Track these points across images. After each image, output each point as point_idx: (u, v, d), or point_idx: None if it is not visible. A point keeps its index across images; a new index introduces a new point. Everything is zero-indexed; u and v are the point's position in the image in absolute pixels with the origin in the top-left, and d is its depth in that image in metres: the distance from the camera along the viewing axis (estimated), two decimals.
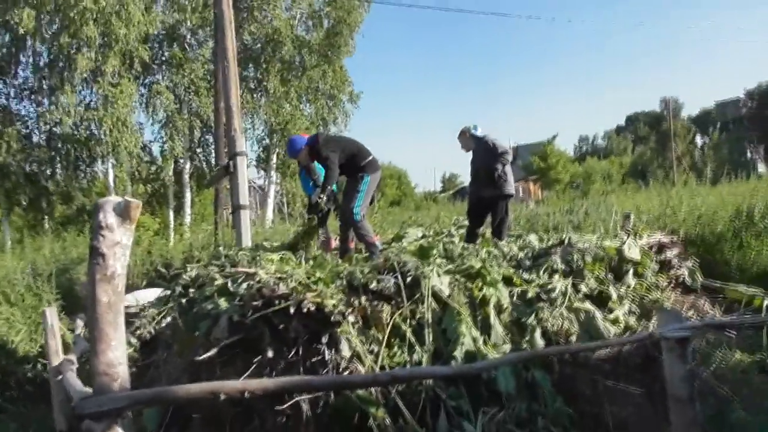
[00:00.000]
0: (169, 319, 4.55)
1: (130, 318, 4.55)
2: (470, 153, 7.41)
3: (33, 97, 21.39)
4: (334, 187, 6.54)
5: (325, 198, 6.24)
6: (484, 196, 7.11)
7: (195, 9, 22.66)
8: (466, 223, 7.70)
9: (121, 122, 19.97)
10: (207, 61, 22.87)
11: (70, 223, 21.34)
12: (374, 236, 6.17)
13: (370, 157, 6.27)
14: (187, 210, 23.31)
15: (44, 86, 21.01)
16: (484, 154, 7.02)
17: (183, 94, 22.70)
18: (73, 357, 4.39)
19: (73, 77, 20.04)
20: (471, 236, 7.07)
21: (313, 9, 24.50)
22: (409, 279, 4.01)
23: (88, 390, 2.72)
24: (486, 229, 7.42)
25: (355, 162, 6.17)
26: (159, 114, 22.12)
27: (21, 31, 19.12)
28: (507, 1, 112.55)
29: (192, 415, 3.67)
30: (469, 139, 7.26)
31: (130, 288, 6.05)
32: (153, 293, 5.99)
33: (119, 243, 2.55)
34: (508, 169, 6.99)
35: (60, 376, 4.30)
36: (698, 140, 61.47)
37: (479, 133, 7.24)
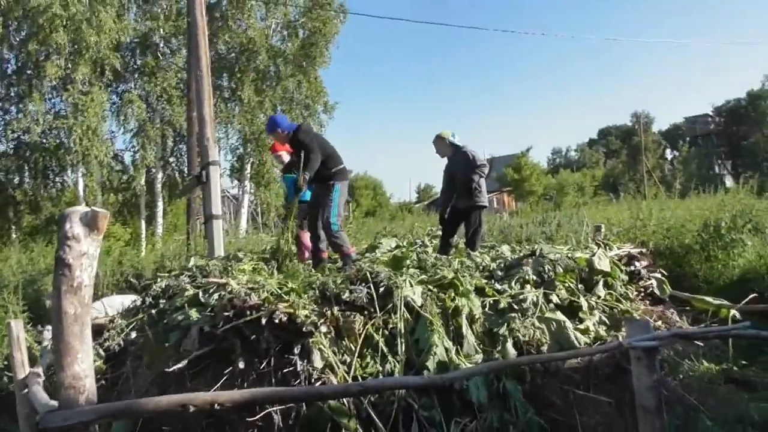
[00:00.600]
0: (138, 330, 4.48)
1: (99, 329, 4.46)
2: (444, 159, 7.39)
3: (0, 105, 20.94)
4: (307, 194, 6.50)
5: (307, 177, 5.97)
6: (458, 207, 7.13)
7: (168, 17, 22.47)
8: (440, 233, 7.70)
9: (91, 131, 19.62)
10: (180, 70, 22.66)
11: (38, 233, 20.87)
12: (350, 247, 6.14)
13: (341, 165, 6.21)
14: (159, 220, 22.99)
15: (12, 94, 20.60)
16: (462, 165, 7.01)
17: (155, 102, 22.44)
18: (39, 370, 4.28)
19: (42, 85, 19.68)
20: (444, 246, 7.08)
21: (289, 19, 24.42)
22: (381, 289, 4.02)
23: (54, 403, 2.66)
24: (459, 240, 7.44)
25: (326, 165, 6.08)
26: (131, 123, 21.78)
27: None
28: (483, 15, 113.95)
29: (162, 427, 3.61)
30: (447, 146, 7.22)
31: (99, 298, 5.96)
32: (122, 300, 5.90)
33: (86, 254, 2.52)
34: (483, 181, 7.02)
35: (25, 390, 4.19)
36: (668, 154, 62.80)
37: (458, 141, 7.23)
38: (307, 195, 6.69)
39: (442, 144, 7.25)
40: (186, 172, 21.77)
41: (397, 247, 7.25)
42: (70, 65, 19.64)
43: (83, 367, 2.50)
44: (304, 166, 5.84)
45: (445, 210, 7.34)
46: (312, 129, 6.53)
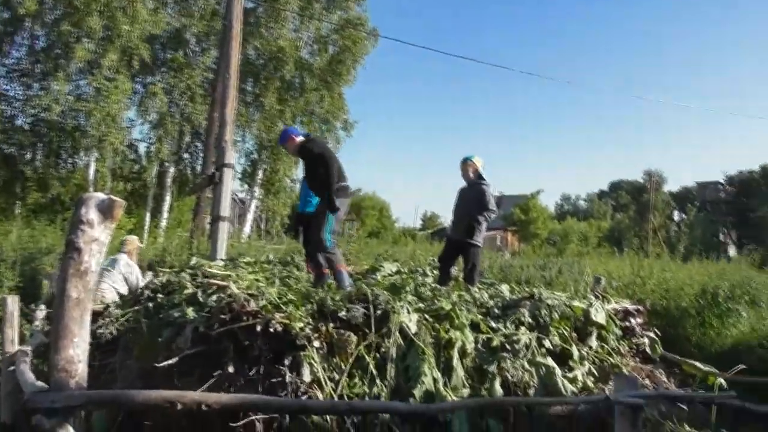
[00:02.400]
0: (132, 322, 4.50)
1: (92, 317, 4.48)
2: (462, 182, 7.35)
3: (23, 79, 21.12)
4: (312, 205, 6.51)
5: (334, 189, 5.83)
6: (452, 238, 7.16)
7: (203, 17, 22.77)
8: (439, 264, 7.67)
9: (110, 117, 19.81)
10: (207, 69, 22.91)
11: (43, 212, 20.99)
12: (343, 265, 6.10)
13: (345, 183, 6.13)
14: (165, 214, 23.08)
15: (37, 70, 20.80)
16: (474, 199, 6.99)
17: (178, 98, 22.65)
18: (27, 349, 4.31)
19: (68, 66, 19.89)
20: (444, 278, 7.07)
21: (320, 34, 24.74)
22: (379, 312, 4.04)
23: (41, 384, 2.69)
24: (459, 273, 7.45)
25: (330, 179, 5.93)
26: (151, 115, 22.00)
27: (21, 11, 18.98)
28: (509, 55, 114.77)
29: (143, 422, 3.62)
30: (473, 173, 7.15)
31: None
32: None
33: (97, 240, 2.57)
34: (485, 224, 6.98)
35: (12, 367, 4.21)
36: (676, 216, 62.75)
37: (484, 173, 7.22)
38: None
39: (471, 169, 7.17)
40: (199, 170, 21.87)
41: (398, 272, 7.27)
42: (99, 50, 19.88)
43: (78, 351, 2.53)
44: (328, 179, 5.78)
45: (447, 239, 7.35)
46: (323, 142, 6.50)
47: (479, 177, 7.14)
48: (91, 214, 2.53)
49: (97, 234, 2.54)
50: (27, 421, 2.59)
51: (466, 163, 7.21)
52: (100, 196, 2.59)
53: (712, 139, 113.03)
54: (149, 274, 7.28)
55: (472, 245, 6.90)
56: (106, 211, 2.56)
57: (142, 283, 7.18)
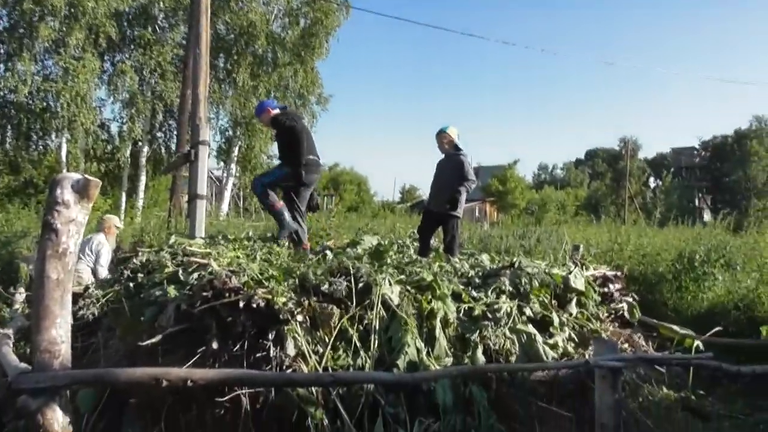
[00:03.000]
0: (113, 302, 4.47)
1: (72, 298, 4.45)
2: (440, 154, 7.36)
3: None
4: None
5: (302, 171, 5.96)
6: (432, 210, 7.17)
7: None
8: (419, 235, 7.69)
9: (80, 97, 19.42)
10: (176, 46, 22.49)
11: (16, 195, 20.63)
12: (279, 203, 6.14)
13: (314, 157, 6.16)
14: (141, 194, 22.83)
15: (1, 51, 20.26)
16: (453, 170, 7.01)
17: (148, 76, 22.25)
18: (9, 332, 4.26)
19: (34, 45, 19.41)
20: (423, 249, 7.12)
21: (291, 6, 24.35)
22: (360, 285, 4.06)
23: (25, 366, 2.68)
24: (439, 245, 7.50)
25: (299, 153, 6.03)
26: (121, 93, 21.59)
27: None
28: (487, 24, 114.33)
29: (128, 400, 3.62)
30: (449, 144, 7.17)
31: None
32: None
33: (74, 220, 2.54)
34: (465, 195, 7.01)
35: None
36: (651, 182, 63.61)
37: (461, 145, 7.22)
38: None
39: (446, 140, 7.18)
40: (173, 148, 21.60)
41: (379, 245, 7.28)
42: (64, 29, 19.39)
43: (60, 332, 2.52)
44: (296, 157, 5.84)
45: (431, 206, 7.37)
46: (297, 116, 6.47)
47: (455, 148, 7.15)
48: (67, 194, 2.50)
49: (73, 214, 2.51)
50: (12, 403, 2.58)
51: (441, 134, 7.22)
52: (75, 176, 2.56)
53: (687, 104, 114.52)
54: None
55: (453, 216, 6.94)
56: (81, 191, 2.53)
57: (104, 262, 7.20)
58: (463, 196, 6.95)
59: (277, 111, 6.31)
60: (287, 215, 6.08)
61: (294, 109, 6.14)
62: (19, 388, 2.44)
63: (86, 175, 2.56)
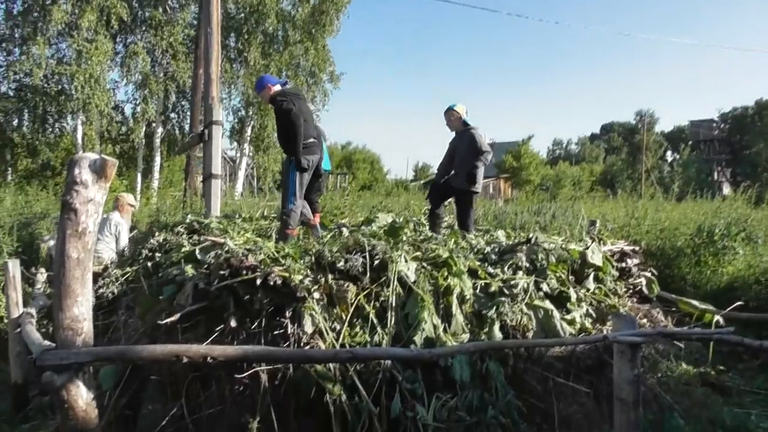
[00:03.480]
0: (132, 281, 4.53)
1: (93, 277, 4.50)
2: (451, 133, 7.33)
3: (3, 45, 20.64)
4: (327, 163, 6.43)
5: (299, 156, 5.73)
6: (452, 185, 7.13)
7: None
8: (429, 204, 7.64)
9: (93, 79, 19.47)
10: (187, 26, 22.44)
11: (34, 177, 20.87)
12: (295, 230, 5.93)
13: (311, 139, 5.98)
14: (156, 174, 22.97)
15: (16, 35, 20.30)
16: (467, 146, 6.95)
17: (160, 56, 22.25)
18: (32, 311, 4.34)
19: (47, 29, 19.42)
20: (432, 218, 7.08)
21: None
22: (376, 262, 4.06)
23: (48, 343, 2.72)
24: (454, 221, 7.47)
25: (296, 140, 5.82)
26: (134, 75, 21.63)
27: None
28: None
29: (149, 377, 3.68)
30: (458, 121, 7.11)
31: None
32: None
33: (92, 200, 2.56)
34: (482, 168, 6.98)
35: (19, 329, 4.26)
36: (669, 156, 62.85)
37: (469, 120, 7.15)
38: (327, 164, 6.71)
39: (453, 118, 7.14)
40: (187, 129, 21.66)
41: (394, 222, 7.29)
42: (76, 11, 19.39)
43: (82, 310, 2.56)
44: (293, 144, 5.69)
45: (439, 181, 7.33)
46: (297, 94, 6.18)
47: (464, 124, 7.10)
48: (85, 174, 2.51)
49: (92, 194, 2.53)
50: (38, 379, 2.63)
51: (448, 112, 7.19)
52: (92, 156, 2.57)
53: (705, 76, 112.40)
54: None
55: (472, 192, 6.93)
56: (99, 171, 2.54)
57: (124, 244, 7.18)
58: (481, 170, 6.92)
59: (277, 87, 6.11)
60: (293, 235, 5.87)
61: (295, 86, 5.77)
62: (43, 365, 2.48)
63: (103, 155, 2.57)
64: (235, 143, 25.75)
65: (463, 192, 6.93)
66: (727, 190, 41.58)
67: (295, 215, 5.82)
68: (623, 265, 6.11)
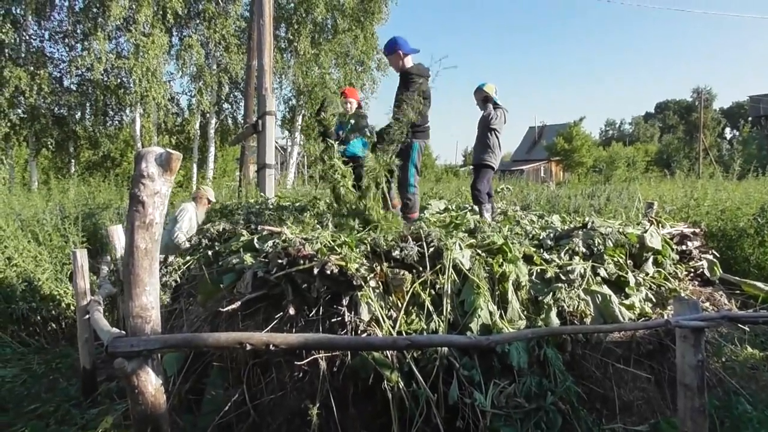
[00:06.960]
0: (193, 269, 4.66)
1: None
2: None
3: (66, 41, 21.42)
4: (356, 148, 6.44)
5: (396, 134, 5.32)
6: (473, 162, 7.21)
7: None
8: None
9: (150, 72, 20.07)
10: (238, 18, 22.77)
11: (95, 168, 21.67)
12: (416, 213, 5.94)
13: (427, 123, 5.90)
14: (210, 164, 23.52)
15: (77, 31, 21.05)
16: (481, 121, 7.04)
17: (214, 49, 22.68)
18: (99, 298, 4.52)
19: (106, 24, 20.07)
20: (474, 194, 7.04)
21: None
22: (431, 249, 4.06)
23: (117, 331, 2.83)
24: (509, 207, 7.41)
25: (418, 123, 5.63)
26: (189, 67, 22.16)
27: None
28: None
29: (211, 363, 3.80)
30: (480, 99, 7.10)
31: None
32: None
33: (158, 192, 2.65)
34: (496, 141, 6.94)
35: (87, 316, 4.44)
36: (727, 133, 60.42)
37: (497, 99, 7.10)
38: (357, 149, 6.56)
39: (479, 96, 7.15)
40: (240, 119, 22.05)
41: (446, 209, 7.27)
42: (134, 6, 19.94)
43: (150, 299, 2.66)
44: (414, 126, 5.44)
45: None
46: (426, 73, 5.78)
47: (485, 100, 7.04)
48: (151, 168, 2.60)
49: (158, 187, 2.61)
50: (106, 365, 2.75)
51: (476, 92, 7.21)
52: (158, 150, 2.66)
53: (764, 49, 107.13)
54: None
55: (484, 165, 6.94)
56: (164, 164, 2.63)
57: (180, 227, 7.17)
58: (491, 143, 6.89)
59: (409, 60, 5.83)
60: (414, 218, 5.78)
61: (422, 66, 5.55)
62: (115, 352, 2.59)
63: (168, 149, 2.65)
64: (287, 132, 26.09)
65: (480, 165, 6.97)
66: None
67: (416, 198, 5.91)
68: (683, 247, 5.94)
